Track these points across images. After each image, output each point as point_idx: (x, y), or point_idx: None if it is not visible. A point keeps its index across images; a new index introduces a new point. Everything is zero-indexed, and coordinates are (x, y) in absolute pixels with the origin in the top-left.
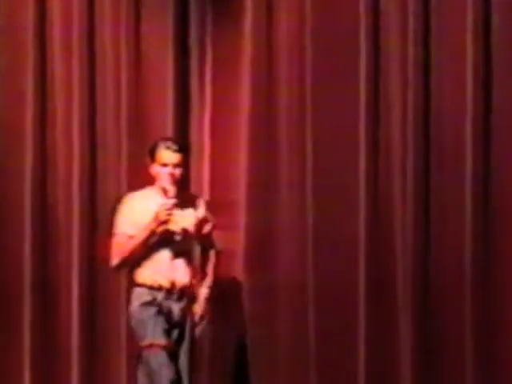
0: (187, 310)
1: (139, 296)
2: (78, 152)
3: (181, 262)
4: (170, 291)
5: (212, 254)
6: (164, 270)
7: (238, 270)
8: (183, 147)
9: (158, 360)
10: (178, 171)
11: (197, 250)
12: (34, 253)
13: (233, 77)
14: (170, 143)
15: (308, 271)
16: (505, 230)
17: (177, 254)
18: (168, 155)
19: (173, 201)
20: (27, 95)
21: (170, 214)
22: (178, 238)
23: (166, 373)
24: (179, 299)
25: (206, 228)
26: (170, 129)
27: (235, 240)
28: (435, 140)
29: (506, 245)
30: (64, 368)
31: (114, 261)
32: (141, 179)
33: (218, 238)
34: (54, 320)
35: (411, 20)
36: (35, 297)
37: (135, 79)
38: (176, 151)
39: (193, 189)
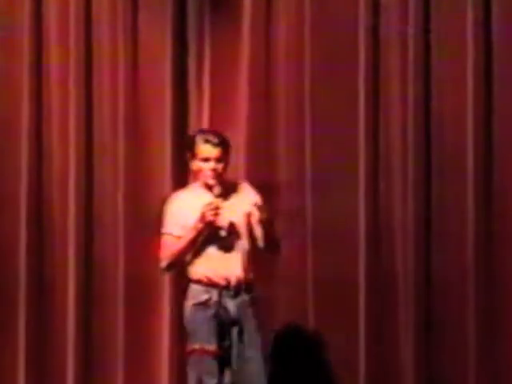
0: (245, 307)
1: (194, 295)
2: (73, 151)
3: (234, 256)
4: (225, 288)
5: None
6: (217, 265)
7: None
8: (224, 140)
9: (206, 367)
10: (220, 166)
11: None
12: (29, 252)
13: (231, 77)
14: (210, 136)
15: (308, 270)
16: (506, 229)
17: (230, 248)
18: (208, 149)
19: (218, 200)
20: (23, 94)
21: (216, 214)
22: (223, 233)
23: (211, 382)
24: (235, 295)
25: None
26: (167, 129)
27: None
28: (436, 140)
29: (507, 244)
30: (59, 367)
31: (163, 262)
32: (139, 175)
33: None
34: (50, 319)
35: (411, 19)
36: (30, 296)
37: (133, 78)
38: (217, 145)
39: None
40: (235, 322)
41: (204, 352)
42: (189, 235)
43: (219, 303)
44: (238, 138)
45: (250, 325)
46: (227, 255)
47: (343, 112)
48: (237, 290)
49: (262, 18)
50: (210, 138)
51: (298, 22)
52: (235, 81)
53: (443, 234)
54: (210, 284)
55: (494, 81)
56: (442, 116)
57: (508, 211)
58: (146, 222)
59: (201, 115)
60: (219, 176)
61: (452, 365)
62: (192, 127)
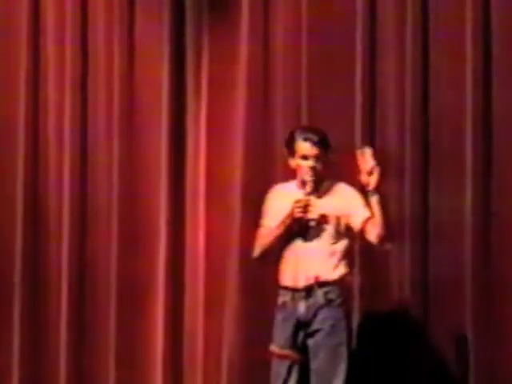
0: (318, 309)
1: (280, 296)
2: (69, 152)
3: (311, 256)
4: (294, 290)
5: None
6: (292, 266)
7: (232, 264)
8: (325, 139)
9: (278, 370)
10: (319, 164)
11: None
12: (24, 252)
13: (229, 77)
14: (309, 134)
15: None
16: (505, 230)
17: (308, 248)
18: (307, 147)
19: (309, 198)
20: (20, 94)
21: (305, 212)
22: (313, 223)
23: None
24: (307, 297)
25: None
26: (164, 129)
27: (231, 239)
28: (434, 140)
29: (506, 243)
30: (52, 367)
31: (255, 252)
32: (134, 177)
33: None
34: (44, 319)
35: (409, 19)
36: (25, 295)
37: (129, 79)
38: (316, 143)
39: (188, 188)
40: (305, 324)
41: (276, 355)
42: (277, 229)
43: (292, 305)
44: (236, 139)
45: (323, 330)
46: (304, 256)
47: (340, 112)
48: (308, 290)
49: (260, 19)
50: (310, 135)
51: (296, 23)
52: (233, 81)
53: (440, 235)
54: (282, 287)
55: (492, 81)
56: (441, 117)
57: (506, 211)
58: (141, 222)
59: (198, 116)
60: (317, 174)
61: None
62: (189, 128)
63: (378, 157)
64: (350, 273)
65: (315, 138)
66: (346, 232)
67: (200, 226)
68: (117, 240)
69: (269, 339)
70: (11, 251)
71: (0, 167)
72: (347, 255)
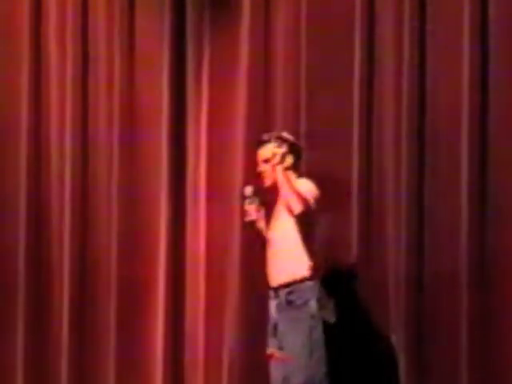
0: (282, 308)
1: None
2: (70, 152)
3: (275, 258)
4: (271, 290)
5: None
6: (268, 267)
7: (233, 263)
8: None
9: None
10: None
11: None
12: (26, 254)
13: (230, 78)
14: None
15: None
16: (500, 229)
17: (272, 250)
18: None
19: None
20: (22, 94)
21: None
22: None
23: None
24: (275, 297)
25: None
26: (165, 129)
27: (231, 240)
28: (430, 141)
29: (501, 244)
30: (54, 366)
31: None
32: (135, 178)
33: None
34: (46, 319)
35: (407, 19)
36: (28, 297)
37: (130, 79)
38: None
39: (189, 190)
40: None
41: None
42: None
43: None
44: (237, 139)
45: (285, 328)
46: (272, 256)
47: (339, 111)
48: (275, 291)
49: (261, 19)
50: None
51: (296, 24)
52: (234, 82)
53: (436, 234)
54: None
55: (489, 81)
56: (437, 117)
57: (502, 208)
58: (141, 224)
59: (199, 116)
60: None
61: (444, 361)
62: (190, 128)
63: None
64: (313, 267)
65: (262, 141)
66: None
67: (200, 228)
68: (117, 241)
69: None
70: (14, 253)
71: (2, 168)
72: (306, 250)
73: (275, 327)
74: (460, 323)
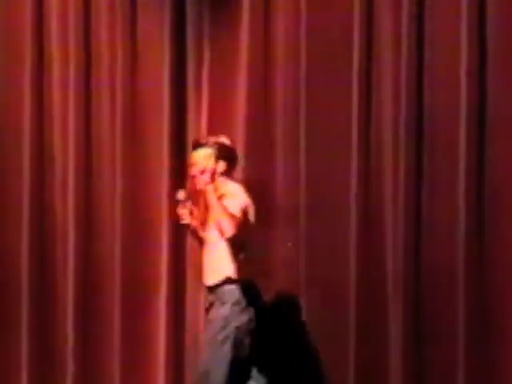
0: (211, 307)
1: None
2: (73, 152)
3: (208, 258)
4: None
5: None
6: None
7: None
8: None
9: None
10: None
11: None
12: (31, 253)
13: (230, 78)
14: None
15: (301, 271)
16: (498, 229)
17: (206, 251)
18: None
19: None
20: (24, 95)
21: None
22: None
23: None
24: (207, 296)
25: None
26: (166, 129)
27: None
28: (428, 140)
29: (498, 244)
30: (59, 366)
31: None
32: (136, 179)
33: None
34: (50, 320)
35: (405, 19)
36: (32, 297)
37: (131, 80)
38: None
39: None
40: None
41: None
42: None
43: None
44: (237, 139)
45: (206, 328)
46: (206, 257)
47: (337, 110)
48: (207, 291)
49: (261, 19)
50: (193, 141)
51: (297, 23)
52: (234, 81)
53: (434, 234)
54: None
55: (487, 78)
56: (435, 116)
57: (499, 209)
58: (144, 223)
59: (199, 116)
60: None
61: (441, 360)
62: (190, 129)
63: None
64: (238, 272)
65: (194, 146)
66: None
67: None
68: (121, 241)
69: (269, 339)
70: (18, 253)
71: (6, 170)
72: (231, 256)
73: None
74: (458, 322)
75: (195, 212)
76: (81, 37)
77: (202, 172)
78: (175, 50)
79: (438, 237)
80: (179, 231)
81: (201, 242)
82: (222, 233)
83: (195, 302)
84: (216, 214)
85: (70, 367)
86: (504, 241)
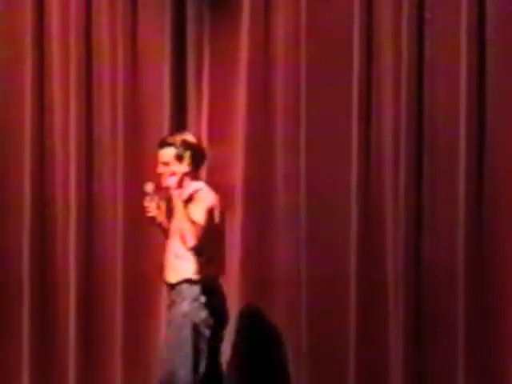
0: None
1: None
2: (74, 151)
3: (170, 255)
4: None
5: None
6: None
7: (234, 264)
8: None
9: None
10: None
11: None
12: (32, 253)
13: (230, 76)
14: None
15: (301, 271)
16: (498, 229)
17: (170, 247)
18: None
19: (147, 199)
20: (25, 94)
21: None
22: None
23: None
24: (169, 294)
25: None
26: (166, 128)
27: (232, 239)
28: (428, 140)
29: (499, 244)
30: (61, 366)
31: None
32: (139, 178)
33: None
34: (52, 319)
35: (405, 19)
36: (33, 297)
37: (132, 78)
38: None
39: None
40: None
41: None
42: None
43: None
44: (237, 139)
45: (169, 327)
46: (166, 255)
47: (337, 110)
48: (168, 288)
49: (261, 17)
50: (163, 139)
51: (297, 22)
52: (234, 80)
53: (434, 234)
54: None
55: (487, 80)
56: (435, 116)
57: (500, 210)
58: (145, 223)
59: (200, 114)
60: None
61: (441, 360)
62: (190, 128)
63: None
64: (199, 272)
65: (163, 144)
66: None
67: None
68: (122, 241)
69: (270, 339)
70: (19, 254)
71: (6, 169)
72: (195, 255)
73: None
74: (458, 322)
75: (162, 206)
76: (81, 36)
77: (172, 175)
78: (175, 50)
79: (438, 237)
80: None
81: (166, 235)
82: (183, 242)
83: None
84: (180, 222)
85: (72, 367)
86: (504, 241)
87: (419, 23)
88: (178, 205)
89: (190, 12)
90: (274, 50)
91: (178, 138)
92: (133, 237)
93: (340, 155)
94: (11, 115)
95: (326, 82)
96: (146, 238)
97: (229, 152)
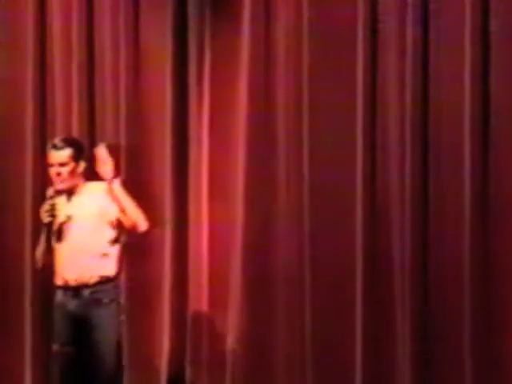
0: (90, 306)
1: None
2: None
3: (77, 256)
4: (65, 289)
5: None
6: (57, 267)
7: (235, 263)
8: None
9: (62, 368)
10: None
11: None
12: (33, 253)
13: (231, 75)
14: (55, 141)
15: (305, 267)
16: (503, 227)
17: (74, 248)
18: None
19: (51, 203)
20: (27, 96)
21: (52, 216)
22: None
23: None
24: (76, 296)
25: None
26: (168, 127)
27: (233, 238)
28: (433, 138)
29: (504, 241)
30: None
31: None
32: (140, 178)
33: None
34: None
35: (410, 16)
36: (35, 296)
37: (134, 79)
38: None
39: (191, 187)
40: (81, 322)
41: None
42: (42, 237)
43: (64, 304)
44: (238, 136)
45: (98, 327)
46: (69, 256)
47: (341, 111)
48: (75, 290)
49: (262, 16)
50: (55, 142)
51: (298, 20)
52: (235, 79)
53: (440, 232)
54: (56, 285)
55: (491, 79)
56: (440, 114)
57: (505, 208)
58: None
59: (201, 113)
60: (63, 179)
61: (448, 357)
62: (192, 125)
63: (379, 153)
64: (120, 268)
65: (59, 145)
66: (110, 228)
67: (203, 225)
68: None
69: (273, 337)
70: (20, 254)
71: (7, 169)
72: (116, 252)
73: (75, 324)
74: (464, 318)
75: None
76: (83, 36)
77: (71, 174)
78: (177, 49)
79: (445, 234)
80: (182, 230)
81: (62, 238)
82: (135, 228)
83: (197, 302)
84: (128, 210)
85: None
86: (510, 235)
87: (424, 23)
88: (120, 193)
89: (192, 11)
90: (276, 48)
91: (67, 140)
92: (135, 235)
93: (343, 154)
94: (13, 116)
95: (328, 81)
96: (149, 236)
97: (230, 152)
